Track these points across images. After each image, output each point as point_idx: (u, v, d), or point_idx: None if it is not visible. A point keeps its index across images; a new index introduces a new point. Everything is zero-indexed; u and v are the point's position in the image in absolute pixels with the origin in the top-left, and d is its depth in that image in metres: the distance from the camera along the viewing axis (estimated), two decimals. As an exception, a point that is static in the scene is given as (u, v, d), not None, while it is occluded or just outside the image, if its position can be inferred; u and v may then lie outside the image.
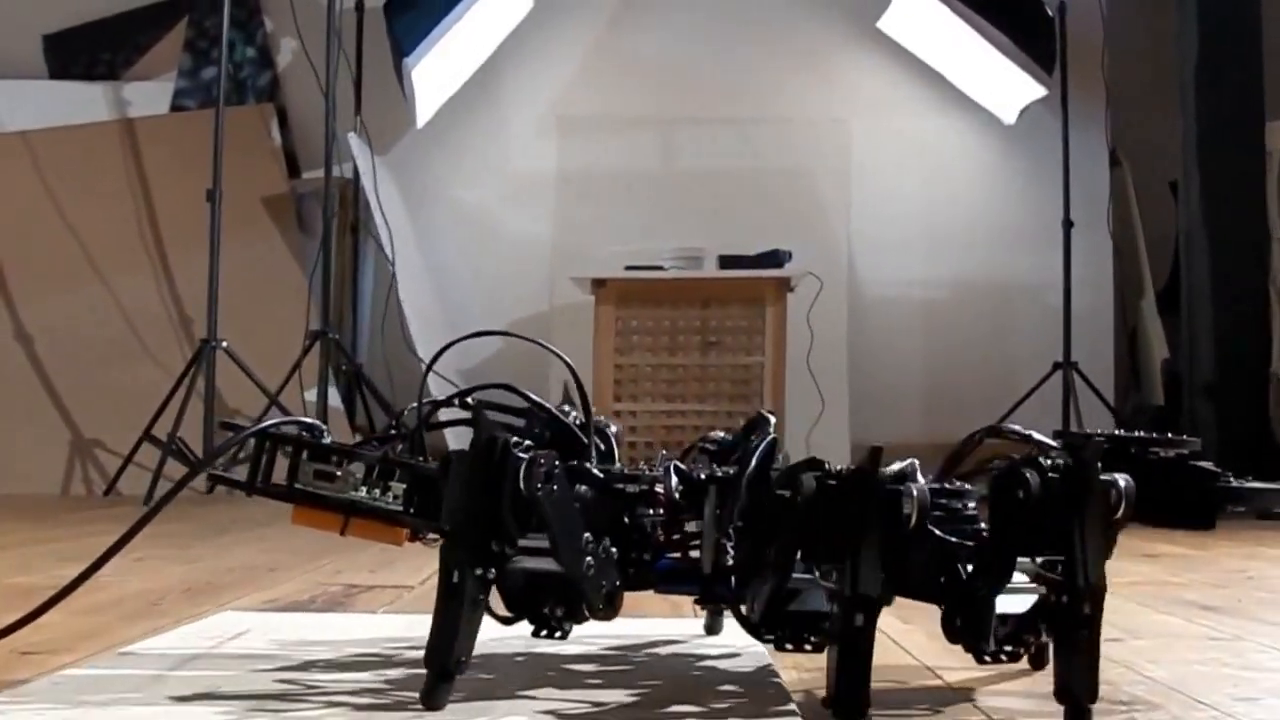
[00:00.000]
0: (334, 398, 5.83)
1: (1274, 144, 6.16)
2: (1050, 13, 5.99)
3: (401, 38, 5.61)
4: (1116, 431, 1.52)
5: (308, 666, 1.64)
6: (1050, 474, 1.32)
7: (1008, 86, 6.16)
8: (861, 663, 1.31)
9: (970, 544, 1.38)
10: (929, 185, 6.70)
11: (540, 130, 6.71)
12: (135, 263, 6.06)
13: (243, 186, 5.90)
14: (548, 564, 1.41)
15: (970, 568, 1.38)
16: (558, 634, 1.52)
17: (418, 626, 1.75)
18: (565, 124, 6.71)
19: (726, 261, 5.69)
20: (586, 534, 1.42)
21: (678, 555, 1.52)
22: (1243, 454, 4.64)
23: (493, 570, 1.37)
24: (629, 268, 5.69)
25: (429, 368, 1.74)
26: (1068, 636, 1.30)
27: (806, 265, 5.90)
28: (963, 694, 1.52)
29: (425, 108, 6.04)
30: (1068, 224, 6.07)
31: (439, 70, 5.87)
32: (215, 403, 5.37)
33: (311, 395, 5.75)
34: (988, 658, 1.40)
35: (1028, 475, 1.32)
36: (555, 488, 1.38)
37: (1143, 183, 6.39)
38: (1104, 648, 1.33)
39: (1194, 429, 4.84)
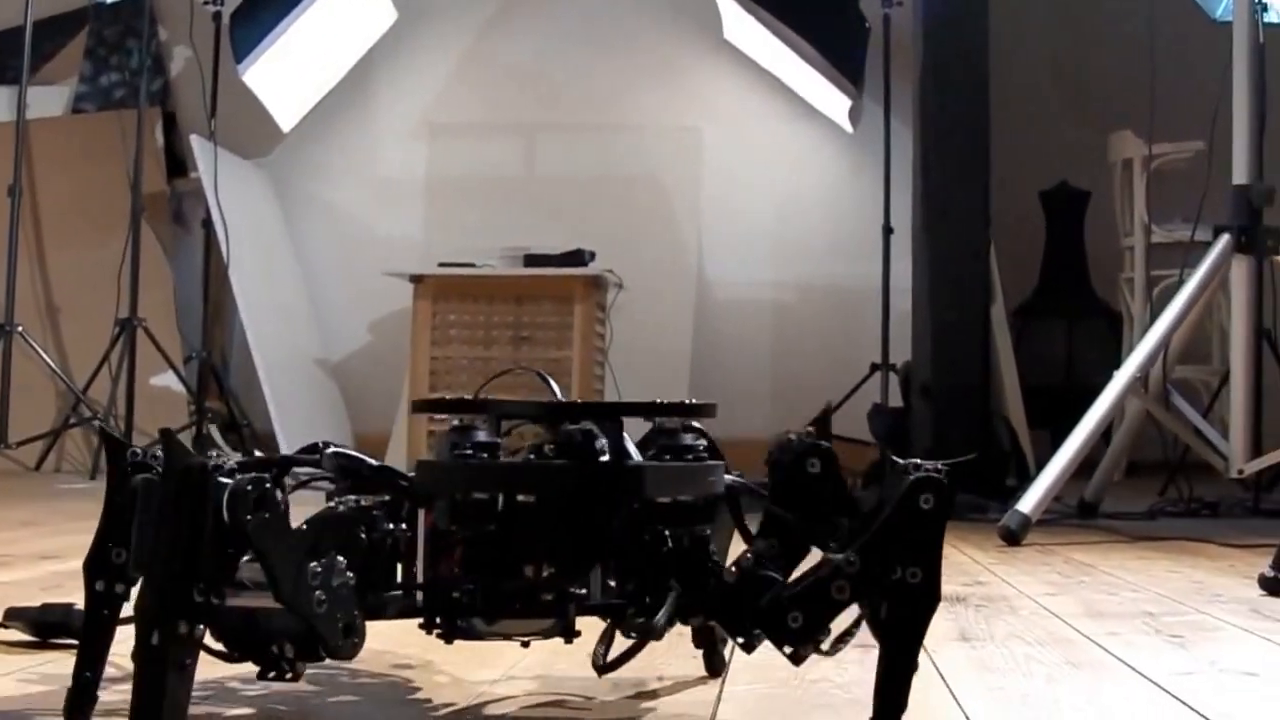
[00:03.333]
0: (176, 382, 6.18)
1: (1116, 155, 6.33)
2: (868, 25, 6.16)
3: (237, 46, 5.95)
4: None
5: None
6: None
7: (830, 96, 6.34)
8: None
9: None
10: (778, 191, 6.93)
11: (412, 135, 7.06)
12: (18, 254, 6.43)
13: (125, 184, 6.24)
14: (269, 599, 1.19)
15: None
16: (289, 675, 1.28)
17: None
18: (435, 130, 7.03)
19: (532, 260, 5.95)
20: (314, 563, 1.20)
21: None
22: (955, 455, 4.76)
23: (200, 626, 1.18)
24: (442, 264, 5.99)
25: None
26: (906, 655, 1.23)
27: (657, 266, 6.22)
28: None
29: (283, 111, 6.38)
30: (887, 230, 6.27)
31: (281, 76, 6.19)
32: (10, 382, 5.77)
33: (158, 380, 6.15)
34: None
35: (945, 483, 1.24)
36: (269, 515, 1.17)
37: (1004, 193, 6.49)
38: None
39: (916, 429, 4.98)
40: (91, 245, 6.36)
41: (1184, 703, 1.53)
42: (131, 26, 6.85)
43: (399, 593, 1.34)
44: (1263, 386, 4.33)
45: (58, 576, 2.50)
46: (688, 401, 1.41)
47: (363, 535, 1.31)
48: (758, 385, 6.80)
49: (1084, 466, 3.81)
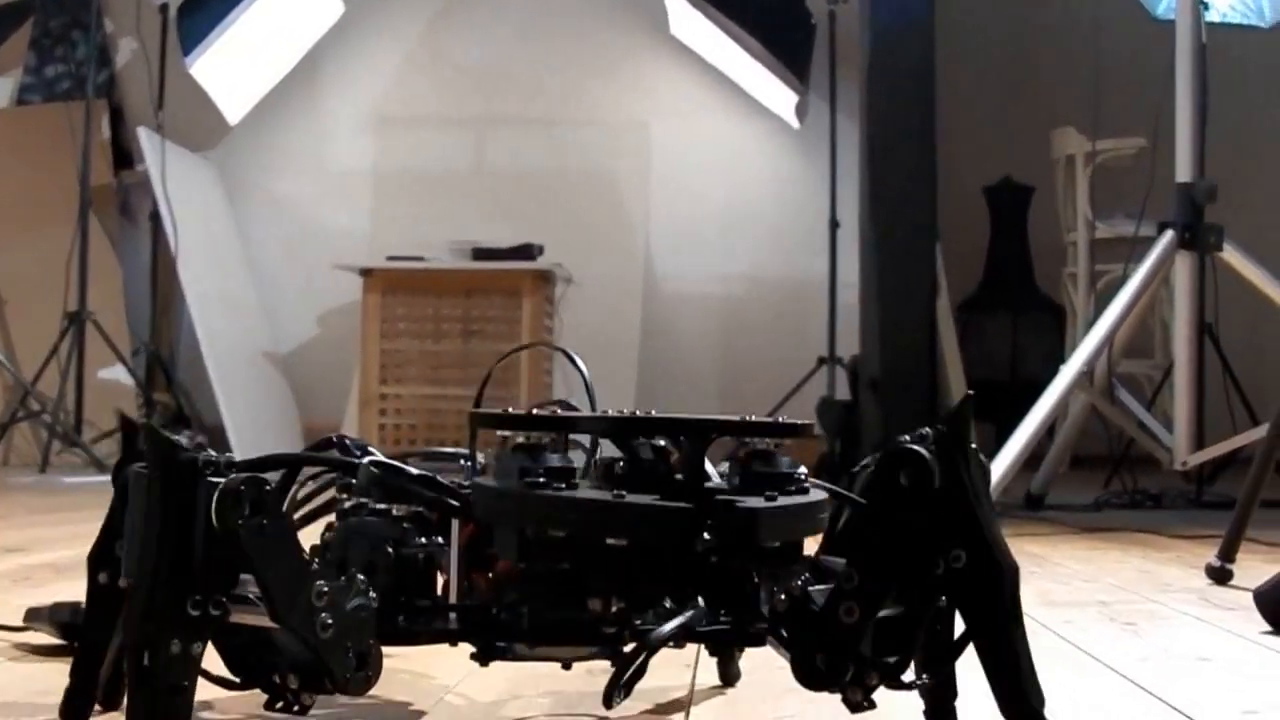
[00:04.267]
0: (125, 375, 6.17)
1: (1059, 151, 6.38)
2: (814, 20, 6.20)
3: (184, 38, 5.95)
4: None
5: None
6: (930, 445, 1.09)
7: (776, 92, 6.38)
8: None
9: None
10: (725, 186, 6.96)
11: (360, 128, 7.07)
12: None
13: (73, 176, 6.22)
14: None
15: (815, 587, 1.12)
16: (296, 708, 1.19)
17: None
18: (384, 123, 7.04)
19: (480, 254, 5.97)
20: (320, 581, 1.07)
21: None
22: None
23: (197, 644, 1.03)
24: (390, 258, 6.01)
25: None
26: (1003, 641, 1.08)
27: (605, 260, 6.27)
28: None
29: (230, 105, 6.40)
30: (833, 224, 6.32)
31: (228, 69, 6.19)
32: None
33: (106, 373, 6.13)
34: (865, 703, 1.12)
35: (919, 451, 1.08)
36: (266, 522, 1.03)
37: (949, 189, 6.53)
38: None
39: (865, 422, 5.04)
40: (39, 238, 6.35)
41: (1144, 688, 1.57)
42: (77, 18, 6.84)
43: (433, 615, 1.21)
44: (1204, 381, 4.40)
45: (27, 569, 2.51)
46: (782, 420, 1.20)
47: (391, 550, 1.20)
48: (705, 379, 6.84)
49: (1030, 459, 3.87)
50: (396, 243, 6.28)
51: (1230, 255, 4.06)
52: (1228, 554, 2.54)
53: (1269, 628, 2.03)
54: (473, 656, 1.19)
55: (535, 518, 1.13)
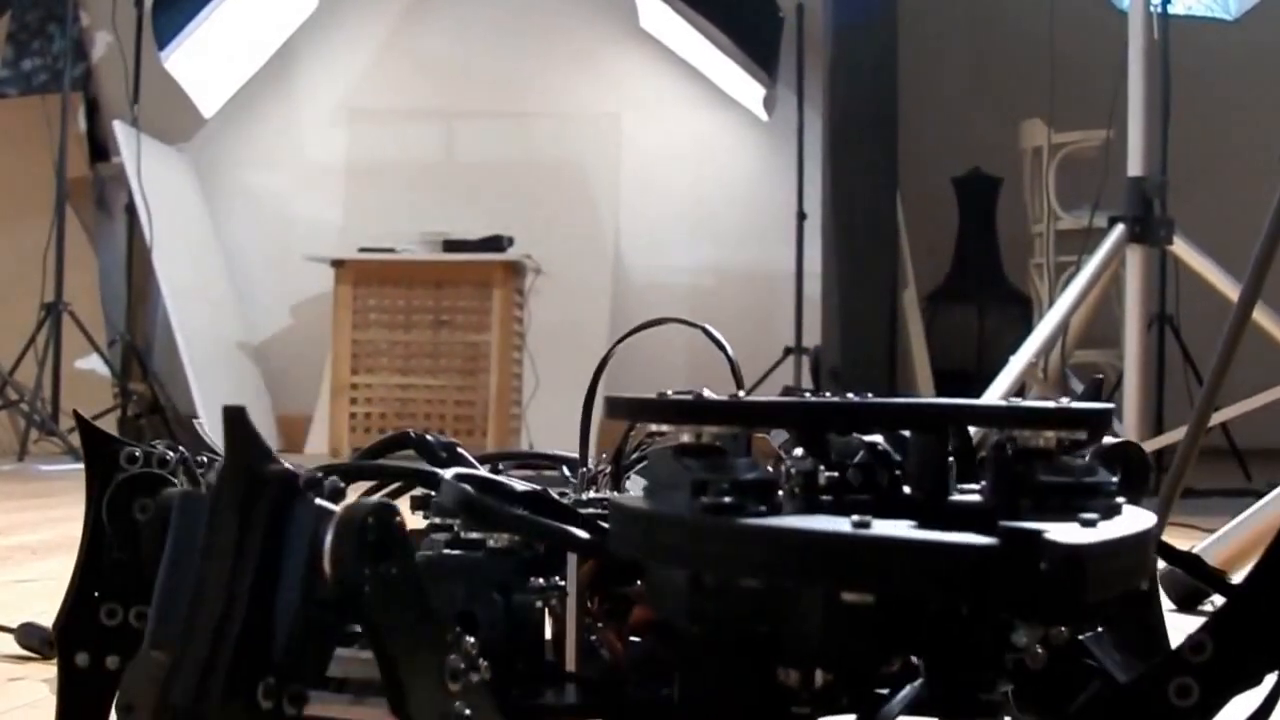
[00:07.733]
0: (101, 365, 6.22)
1: (1026, 142, 6.45)
2: (781, 15, 6.26)
3: (159, 33, 6.02)
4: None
5: None
6: None
7: (744, 85, 6.45)
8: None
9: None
10: (694, 177, 7.02)
11: (332, 121, 7.12)
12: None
13: (49, 169, 6.28)
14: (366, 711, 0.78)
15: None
16: None
17: None
18: (355, 116, 7.10)
19: (451, 245, 6.04)
20: (453, 655, 0.73)
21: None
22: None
23: None
24: (362, 249, 6.07)
25: None
26: None
27: (575, 251, 6.35)
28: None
29: (205, 98, 6.47)
30: (800, 215, 6.38)
31: (203, 63, 6.26)
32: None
33: (82, 363, 6.19)
34: None
35: None
36: (396, 569, 0.71)
37: (918, 181, 6.60)
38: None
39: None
40: (15, 230, 6.40)
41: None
42: (53, 12, 6.89)
43: (552, 685, 0.88)
44: (1165, 371, 4.46)
45: (7, 549, 2.59)
46: (1062, 403, 0.81)
47: (499, 598, 0.87)
48: (673, 370, 6.87)
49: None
50: (368, 234, 6.34)
51: (1180, 248, 4.12)
52: (1153, 539, 2.60)
53: (1174, 606, 2.11)
54: None
55: (722, 559, 0.73)
